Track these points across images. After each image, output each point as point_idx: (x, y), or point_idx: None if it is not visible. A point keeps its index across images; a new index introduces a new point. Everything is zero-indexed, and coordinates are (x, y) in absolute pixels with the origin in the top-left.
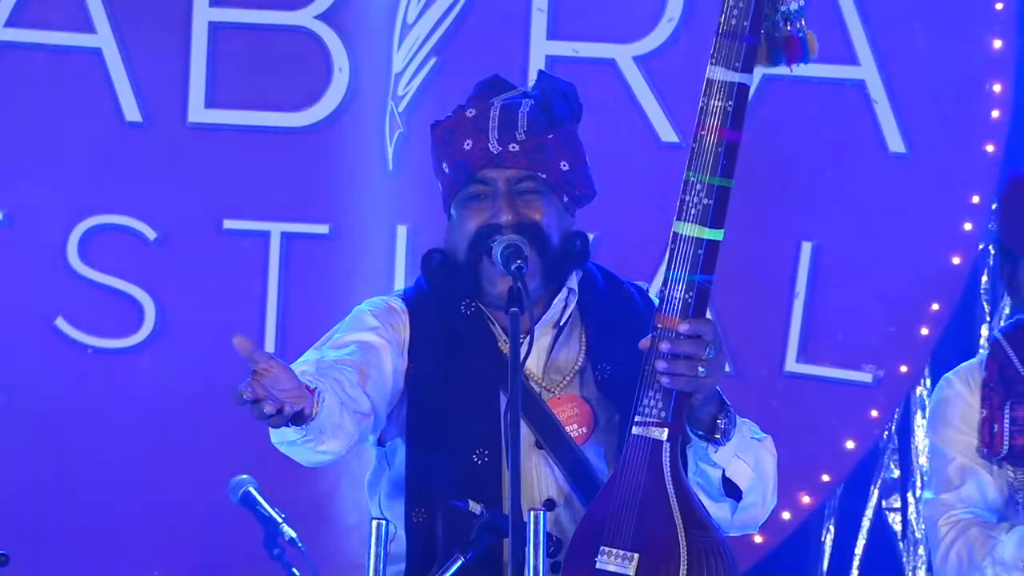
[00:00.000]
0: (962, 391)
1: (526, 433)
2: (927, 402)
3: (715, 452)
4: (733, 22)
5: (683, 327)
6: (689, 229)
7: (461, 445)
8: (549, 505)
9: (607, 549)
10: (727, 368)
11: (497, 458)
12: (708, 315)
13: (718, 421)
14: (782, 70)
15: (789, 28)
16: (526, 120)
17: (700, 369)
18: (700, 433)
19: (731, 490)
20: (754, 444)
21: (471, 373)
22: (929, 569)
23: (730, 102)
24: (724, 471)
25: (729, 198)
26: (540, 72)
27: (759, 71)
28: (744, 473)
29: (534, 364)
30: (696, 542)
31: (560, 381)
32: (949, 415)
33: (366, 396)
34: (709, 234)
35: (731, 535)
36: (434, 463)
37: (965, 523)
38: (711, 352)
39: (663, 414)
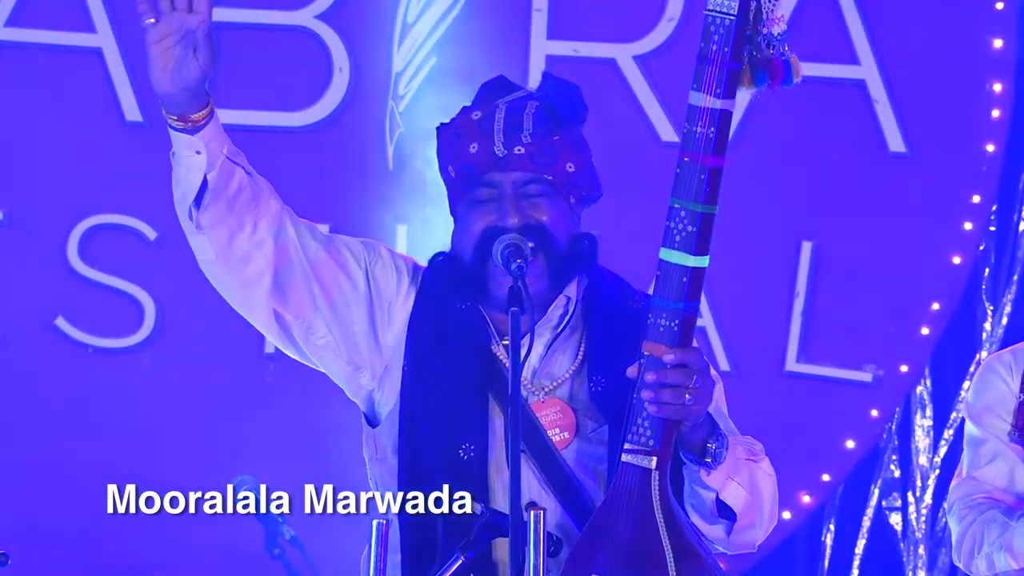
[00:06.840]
0: (1003, 373)
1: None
2: (927, 402)
3: (707, 475)
4: (714, 48)
5: (668, 357)
6: (674, 256)
7: (448, 440)
8: (531, 507)
9: None
10: (728, 368)
11: (483, 455)
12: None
13: (709, 445)
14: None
15: (772, 52)
16: (531, 122)
17: (687, 397)
18: (691, 457)
19: (726, 511)
20: (749, 466)
21: (462, 370)
22: (929, 568)
23: (712, 128)
24: (718, 494)
25: (714, 224)
26: (545, 74)
27: (743, 94)
28: (738, 496)
29: (525, 367)
30: (686, 572)
31: (548, 385)
32: (987, 397)
33: (304, 249)
34: (694, 261)
35: (729, 554)
36: (423, 454)
37: (983, 506)
38: (698, 380)
39: (651, 442)
